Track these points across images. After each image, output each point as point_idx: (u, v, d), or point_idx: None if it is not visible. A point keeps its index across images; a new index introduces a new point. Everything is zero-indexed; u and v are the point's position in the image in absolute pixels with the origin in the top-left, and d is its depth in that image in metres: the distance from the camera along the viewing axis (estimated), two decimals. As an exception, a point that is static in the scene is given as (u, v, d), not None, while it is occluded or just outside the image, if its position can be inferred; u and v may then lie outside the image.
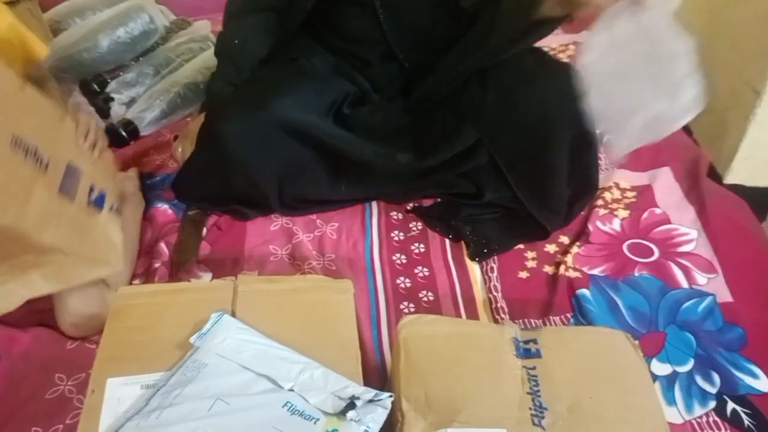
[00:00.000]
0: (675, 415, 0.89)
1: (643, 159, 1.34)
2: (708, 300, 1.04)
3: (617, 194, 1.25)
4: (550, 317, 1.02)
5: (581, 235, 1.17)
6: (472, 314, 1.04)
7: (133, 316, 0.80)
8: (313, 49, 1.19)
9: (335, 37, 1.18)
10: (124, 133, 1.39)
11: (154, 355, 0.75)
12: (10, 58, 1.03)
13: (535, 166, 1.09)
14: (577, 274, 1.08)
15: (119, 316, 0.80)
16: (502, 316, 1.02)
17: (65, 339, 0.95)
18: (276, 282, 0.87)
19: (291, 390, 0.70)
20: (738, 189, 1.57)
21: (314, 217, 1.21)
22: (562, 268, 1.10)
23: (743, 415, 0.89)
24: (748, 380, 0.92)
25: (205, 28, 1.71)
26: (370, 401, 0.69)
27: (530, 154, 1.08)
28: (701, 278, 1.08)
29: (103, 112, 1.42)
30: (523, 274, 1.10)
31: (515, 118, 1.05)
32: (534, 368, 0.78)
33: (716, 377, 0.93)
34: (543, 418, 0.71)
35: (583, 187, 1.19)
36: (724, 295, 1.05)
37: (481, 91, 1.08)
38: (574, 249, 1.13)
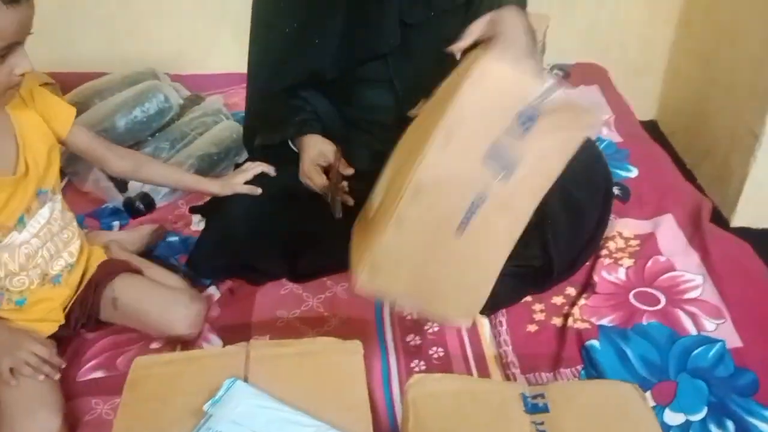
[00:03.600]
0: (690, 464, 0.88)
1: (645, 207, 1.36)
2: (718, 346, 1.04)
3: (621, 243, 1.27)
4: (561, 370, 1.02)
5: (587, 286, 1.18)
6: (483, 370, 1.04)
7: (149, 386, 0.83)
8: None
9: (348, 107, 1.24)
10: (141, 206, 1.45)
11: (170, 424, 0.77)
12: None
13: (575, 226, 1.12)
14: (585, 325, 1.09)
15: (135, 386, 0.83)
16: (513, 370, 1.03)
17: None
18: (287, 346, 0.89)
19: (302, 453, 0.72)
20: (745, 232, 1.57)
21: (325, 278, 1.24)
22: (570, 320, 1.10)
23: (760, 462, 0.88)
24: (762, 426, 0.91)
25: (217, 102, 1.80)
26: (380, 462, 0.70)
27: (571, 213, 1.09)
28: (709, 324, 1.08)
29: (121, 186, 1.48)
30: (532, 328, 1.11)
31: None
32: (542, 423, 0.78)
33: (730, 425, 0.92)
34: (552, 472, 0.72)
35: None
36: (734, 341, 1.05)
37: None
38: (581, 300, 1.14)
